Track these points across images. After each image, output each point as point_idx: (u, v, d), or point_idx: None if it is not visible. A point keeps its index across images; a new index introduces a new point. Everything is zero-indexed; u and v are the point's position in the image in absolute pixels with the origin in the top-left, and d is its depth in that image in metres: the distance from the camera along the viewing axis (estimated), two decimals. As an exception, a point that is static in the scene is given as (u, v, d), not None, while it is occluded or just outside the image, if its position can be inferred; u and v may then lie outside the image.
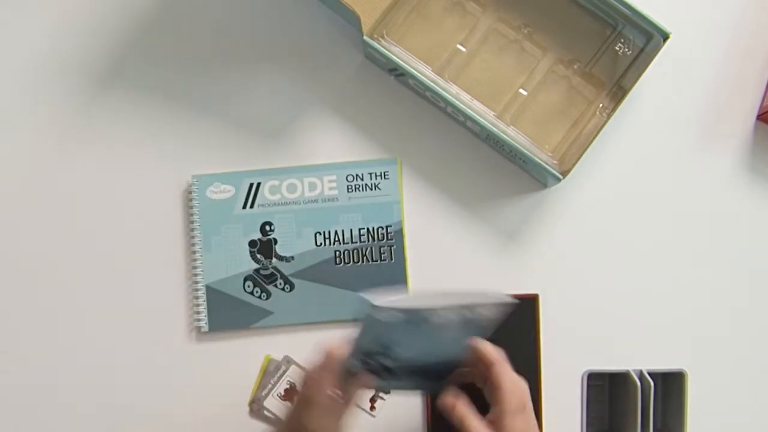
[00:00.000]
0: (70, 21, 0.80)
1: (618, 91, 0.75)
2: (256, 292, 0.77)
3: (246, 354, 0.77)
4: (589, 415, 0.77)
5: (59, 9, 0.80)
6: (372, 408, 0.77)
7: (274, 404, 0.76)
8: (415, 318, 0.58)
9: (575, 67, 0.76)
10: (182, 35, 0.80)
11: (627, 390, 0.75)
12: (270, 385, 0.76)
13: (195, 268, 0.77)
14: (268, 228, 0.78)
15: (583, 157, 0.73)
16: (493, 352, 0.63)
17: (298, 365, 0.77)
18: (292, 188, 0.78)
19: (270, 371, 0.77)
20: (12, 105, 0.80)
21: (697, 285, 0.78)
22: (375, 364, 0.62)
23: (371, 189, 0.78)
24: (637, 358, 0.77)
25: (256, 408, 0.76)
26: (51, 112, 0.80)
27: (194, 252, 0.77)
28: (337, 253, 0.78)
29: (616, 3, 0.73)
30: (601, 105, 0.75)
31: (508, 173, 0.79)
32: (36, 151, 0.79)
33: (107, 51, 0.80)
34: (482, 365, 0.63)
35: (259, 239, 0.78)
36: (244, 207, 0.78)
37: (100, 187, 0.79)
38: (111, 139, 0.79)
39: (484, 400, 0.63)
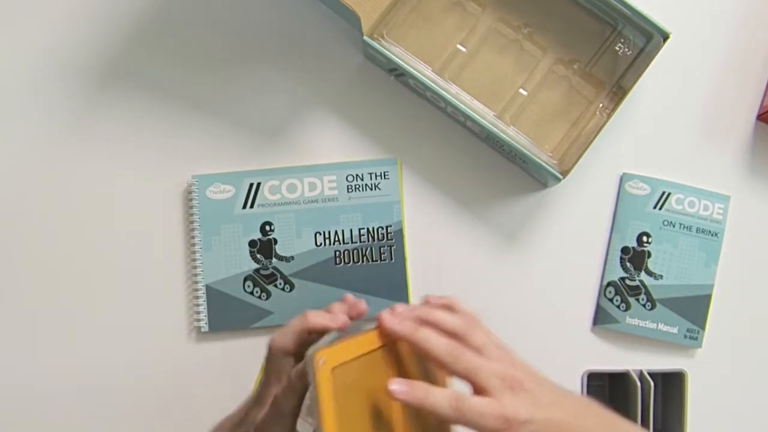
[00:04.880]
0: (70, 21, 0.80)
1: (618, 91, 0.75)
2: (256, 292, 0.77)
3: (246, 354, 0.77)
4: (589, 415, 0.77)
5: (59, 9, 0.80)
6: (372, 408, 0.76)
7: (274, 404, 0.76)
8: None
9: (575, 67, 0.76)
10: (182, 35, 0.80)
11: (627, 390, 0.75)
12: (270, 385, 0.76)
13: (195, 268, 0.77)
14: (268, 228, 0.78)
15: (583, 157, 0.73)
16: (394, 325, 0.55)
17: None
18: (292, 188, 0.78)
19: (270, 371, 0.76)
20: (12, 104, 0.80)
21: (697, 285, 0.78)
22: None
23: (371, 189, 0.78)
24: (637, 358, 0.77)
25: (256, 408, 0.76)
26: (51, 112, 0.80)
27: (194, 252, 0.77)
28: (337, 253, 0.78)
29: (616, 3, 0.73)
30: (601, 105, 0.75)
31: (508, 173, 0.79)
32: (36, 150, 0.79)
33: (107, 51, 0.80)
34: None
35: (259, 239, 0.78)
36: (244, 207, 0.78)
37: (100, 187, 0.79)
38: (111, 139, 0.79)
39: None
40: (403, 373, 0.56)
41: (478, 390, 0.51)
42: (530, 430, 0.50)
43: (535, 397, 0.52)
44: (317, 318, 0.58)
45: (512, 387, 0.51)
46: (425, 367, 0.58)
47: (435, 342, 0.53)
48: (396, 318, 0.55)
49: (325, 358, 0.52)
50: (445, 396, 0.51)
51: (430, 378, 0.58)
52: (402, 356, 0.57)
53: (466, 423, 0.50)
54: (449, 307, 0.57)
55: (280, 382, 0.57)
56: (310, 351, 0.52)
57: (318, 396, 0.52)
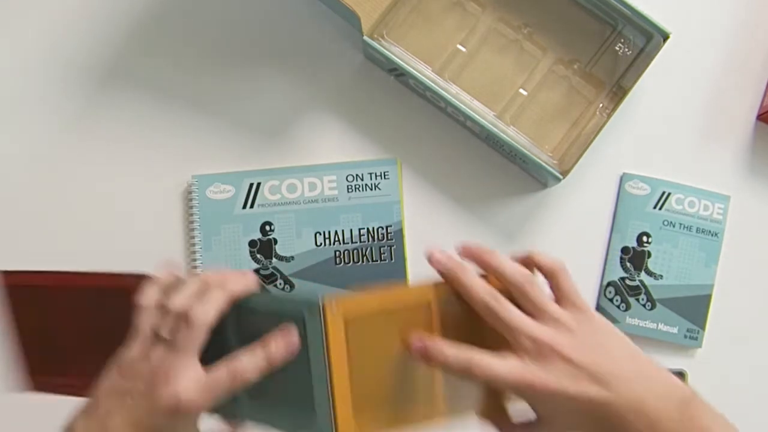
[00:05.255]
0: (70, 21, 0.80)
1: (618, 91, 0.75)
2: (256, 292, 0.77)
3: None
4: (589, 415, 0.77)
5: (59, 9, 0.80)
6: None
7: (274, 404, 0.76)
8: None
9: (575, 67, 0.76)
10: (182, 35, 0.80)
11: (627, 390, 0.75)
12: (270, 385, 0.76)
13: (195, 268, 0.77)
14: (268, 228, 0.78)
15: (583, 157, 0.73)
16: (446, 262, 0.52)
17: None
18: (292, 188, 0.78)
19: (270, 371, 0.76)
20: (13, 104, 0.80)
21: (697, 285, 0.78)
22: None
23: (371, 189, 0.78)
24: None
25: (256, 408, 0.76)
26: (51, 112, 0.80)
27: (194, 252, 0.77)
28: (337, 253, 0.78)
29: (616, 3, 0.73)
30: (601, 105, 0.75)
31: (508, 173, 0.79)
32: (36, 150, 0.79)
33: (107, 51, 0.80)
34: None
35: (259, 239, 0.78)
36: (244, 207, 0.78)
37: (100, 187, 0.79)
38: (111, 139, 0.79)
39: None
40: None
41: (513, 349, 0.49)
42: (564, 403, 0.48)
43: (575, 368, 0.48)
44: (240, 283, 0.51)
45: (542, 352, 0.49)
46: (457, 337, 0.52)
47: (479, 286, 0.50)
48: (445, 255, 0.51)
49: (335, 307, 0.49)
50: (455, 351, 0.49)
51: None
52: (432, 322, 0.52)
53: (478, 379, 0.49)
54: (526, 261, 0.53)
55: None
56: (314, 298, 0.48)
57: (329, 348, 0.48)
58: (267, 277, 0.77)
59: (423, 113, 0.79)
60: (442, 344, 0.49)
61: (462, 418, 0.54)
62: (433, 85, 0.73)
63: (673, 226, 0.78)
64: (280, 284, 0.77)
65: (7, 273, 0.61)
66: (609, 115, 0.74)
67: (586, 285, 0.78)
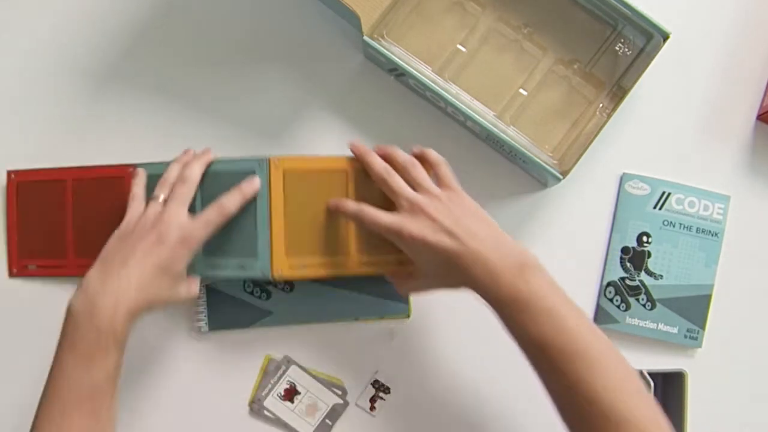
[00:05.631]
0: (70, 21, 0.80)
1: (618, 91, 0.75)
2: (256, 292, 0.77)
3: (246, 354, 0.77)
4: (589, 415, 0.77)
5: (60, 9, 0.80)
6: (372, 408, 0.77)
7: (274, 404, 0.76)
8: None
9: (575, 67, 0.76)
10: (182, 35, 0.80)
11: (627, 390, 0.75)
12: (270, 385, 0.76)
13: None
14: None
15: (583, 157, 0.73)
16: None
17: (298, 365, 0.77)
18: (292, 188, 0.79)
19: (270, 371, 0.77)
20: (13, 104, 0.80)
21: (697, 285, 0.78)
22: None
23: (371, 189, 0.79)
24: (637, 358, 0.77)
25: (256, 408, 0.76)
26: (51, 112, 0.80)
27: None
28: (337, 252, 0.79)
29: (616, 3, 0.73)
30: (601, 105, 0.75)
31: (508, 173, 0.79)
32: (35, 149, 0.79)
33: (107, 51, 0.80)
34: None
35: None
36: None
37: (100, 187, 0.79)
38: (111, 139, 0.79)
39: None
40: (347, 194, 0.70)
41: (396, 209, 0.66)
42: (426, 251, 0.63)
43: (437, 224, 0.63)
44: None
45: (414, 211, 0.64)
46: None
47: (378, 162, 0.68)
48: (360, 144, 0.70)
49: (278, 162, 0.68)
50: (354, 204, 0.67)
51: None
52: (347, 184, 0.70)
53: (367, 225, 0.66)
54: (417, 154, 0.70)
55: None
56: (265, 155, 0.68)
57: (269, 193, 0.68)
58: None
59: (423, 113, 0.79)
60: (346, 200, 0.68)
61: (371, 273, 0.70)
62: (433, 85, 0.73)
63: (673, 226, 0.78)
64: (280, 284, 0.77)
65: (13, 172, 0.77)
66: (609, 115, 0.74)
67: (586, 285, 0.78)
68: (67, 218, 0.76)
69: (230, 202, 0.67)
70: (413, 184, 0.67)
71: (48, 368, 0.63)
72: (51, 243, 0.76)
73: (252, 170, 0.68)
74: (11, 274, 0.77)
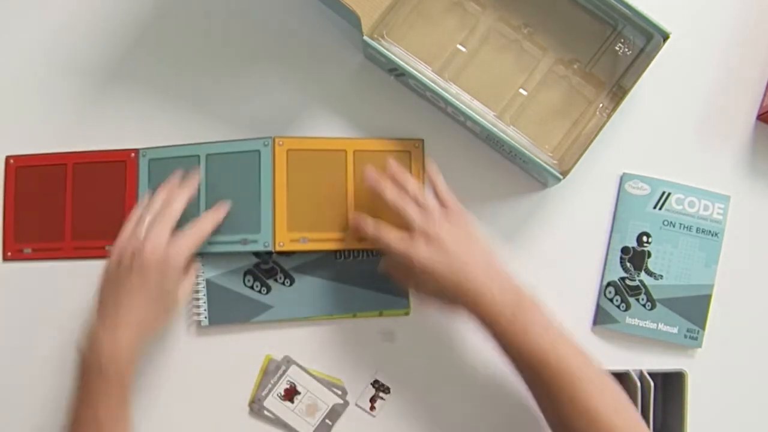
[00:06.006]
0: (70, 21, 0.80)
1: (618, 91, 0.75)
2: (256, 286, 0.77)
3: (246, 349, 0.77)
4: (589, 415, 0.77)
5: (59, 9, 0.80)
6: (372, 408, 0.77)
7: (274, 404, 0.76)
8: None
9: (575, 67, 0.76)
10: (182, 36, 0.80)
11: (627, 390, 0.75)
12: (270, 385, 0.76)
13: (196, 262, 0.77)
14: (268, 228, 0.79)
15: (583, 157, 0.73)
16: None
17: (298, 365, 0.77)
18: (292, 188, 0.80)
19: (270, 371, 0.77)
20: (14, 104, 0.80)
21: (697, 285, 0.78)
22: None
23: (371, 189, 0.79)
24: (637, 358, 0.77)
25: (256, 408, 0.76)
26: (50, 111, 0.80)
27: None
28: (337, 251, 0.80)
29: (616, 3, 0.73)
30: (601, 105, 0.75)
31: (508, 173, 0.79)
32: (36, 149, 0.79)
33: (108, 51, 0.80)
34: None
35: (259, 239, 0.79)
36: (244, 206, 0.80)
37: (100, 187, 0.79)
38: (112, 138, 0.79)
39: None
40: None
41: (406, 228, 0.70)
42: (431, 276, 0.68)
43: (441, 250, 0.68)
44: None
45: (428, 236, 0.68)
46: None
47: (391, 190, 0.71)
48: (375, 174, 0.73)
49: (282, 141, 0.75)
50: (373, 226, 0.71)
51: None
52: (348, 162, 0.76)
53: (382, 246, 0.70)
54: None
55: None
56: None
57: (273, 170, 0.74)
58: (267, 272, 0.77)
59: (423, 113, 0.79)
60: (367, 220, 0.72)
61: (369, 248, 0.76)
62: (433, 85, 0.73)
63: (673, 226, 0.78)
64: (280, 278, 0.77)
65: (12, 157, 0.79)
66: (609, 115, 0.74)
67: (586, 285, 0.78)
68: (67, 201, 0.78)
69: (205, 225, 0.72)
70: (420, 206, 0.71)
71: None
72: (48, 226, 0.78)
73: (257, 149, 0.74)
74: (5, 258, 0.78)
